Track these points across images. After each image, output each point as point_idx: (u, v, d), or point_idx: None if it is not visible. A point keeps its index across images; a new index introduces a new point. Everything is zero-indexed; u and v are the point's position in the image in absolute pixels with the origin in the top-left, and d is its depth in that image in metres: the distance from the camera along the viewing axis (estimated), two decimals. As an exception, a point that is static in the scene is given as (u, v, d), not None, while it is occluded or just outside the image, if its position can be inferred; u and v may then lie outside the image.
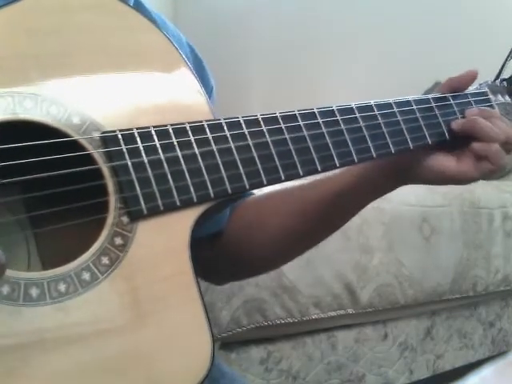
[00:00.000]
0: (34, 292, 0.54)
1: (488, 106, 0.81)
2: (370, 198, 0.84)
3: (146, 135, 0.61)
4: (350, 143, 0.71)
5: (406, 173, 0.79)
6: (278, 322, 1.37)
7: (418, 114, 0.77)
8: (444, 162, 0.77)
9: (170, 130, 0.62)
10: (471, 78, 0.82)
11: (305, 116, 0.70)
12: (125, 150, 0.60)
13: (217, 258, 0.87)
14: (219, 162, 0.63)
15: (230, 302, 1.29)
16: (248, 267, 0.91)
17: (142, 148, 0.60)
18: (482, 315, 1.93)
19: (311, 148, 0.69)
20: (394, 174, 0.80)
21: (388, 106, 0.76)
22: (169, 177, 0.61)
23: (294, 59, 2.76)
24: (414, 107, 0.78)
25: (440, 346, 1.80)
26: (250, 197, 0.92)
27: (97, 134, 0.59)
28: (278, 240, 0.87)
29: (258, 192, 0.89)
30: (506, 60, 0.87)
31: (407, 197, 1.70)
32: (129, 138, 0.60)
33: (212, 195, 0.63)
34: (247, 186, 0.65)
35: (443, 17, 2.42)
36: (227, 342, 1.33)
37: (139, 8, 0.81)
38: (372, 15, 2.59)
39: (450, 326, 1.83)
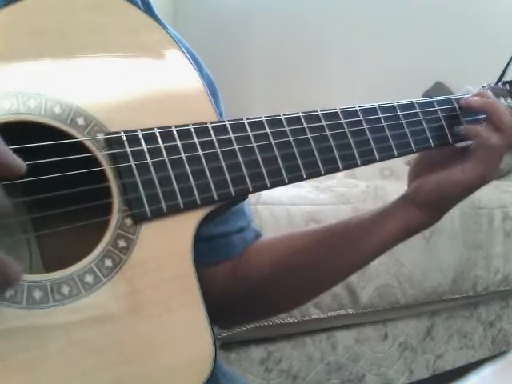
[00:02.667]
0: (37, 294, 0.53)
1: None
2: (394, 238, 0.82)
3: (150, 137, 0.61)
4: (353, 146, 0.71)
5: (431, 199, 0.78)
6: (278, 321, 1.38)
7: (421, 117, 0.77)
8: (467, 171, 0.77)
9: (174, 132, 0.62)
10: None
11: (309, 118, 0.69)
12: (129, 151, 0.59)
13: (227, 294, 0.84)
14: (223, 165, 0.63)
15: (231, 301, 1.29)
16: (260, 306, 0.89)
17: (146, 150, 0.60)
18: (482, 315, 1.93)
19: (315, 150, 0.68)
20: (416, 205, 0.79)
21: (391, 108, 0.76)
22: (173, 179, 0.60)
23: (294, 59, 2.76)
24: (418, 110, 0.77)
25: (440, 346, 1.80)
26: (263, 236, 0.91)
27: (101, 136, 0.59)
28: (289, 282, 0.85)
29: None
30: (509, 62, 0.87)
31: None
32: (133, 139, 0.60)
33: (216, 198, 0.62)
34: (250, 189, 0.64)
35: (444, 18, 2.42)
36: (227, 342, 1.33)
37: (148, 11, 0.80)
38: (373, 16, 2.60)
39: (449, 326, 1.83)
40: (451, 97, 0.81)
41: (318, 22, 2.68)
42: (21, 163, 0.50)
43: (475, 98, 0.79)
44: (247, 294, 0.86)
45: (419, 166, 0.81)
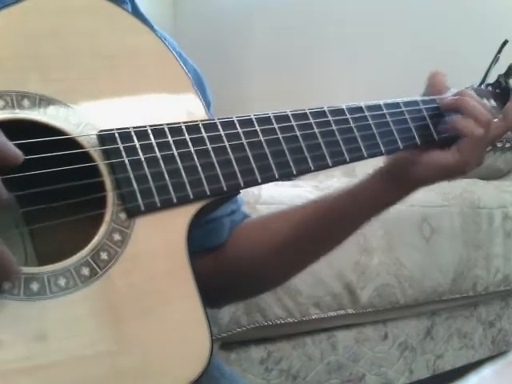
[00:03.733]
0: (34, 286, 0.55)
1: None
2: (371, 210, 0.85)
3: (142, 134, 0.62)
4: (341, 143, 0.72)
5: (405, 176, 0.80)
6: (278, 321, 1.38)
7: (407, 116, 0.79)
8: (440, 156, 0.78)
9: (166, 129, 0.64)
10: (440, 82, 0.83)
11: (297, 116, 0.71)
12: (122, 147, 0.61)
13: (217, 274, 0.87)
14: (214, 161, 0.65)
15: (231, 301, 1.29)
16: (246, 284, 0.92)
17: (138, 146, 0.62)
18: (482, 315, 1.93)
19: (304, 147, 0.70)
20: (393, 180, 0.81)
21: (377, 107, 0.77)
22: (165, 174, 0.62)
23: (294, 59, 2.76)
24: (404, 109, 0.79)
25: (440, 346, 1.80)
26: (251, 217, 0.93)
27: (94, 133, 0.61)
28: (278, 258, 0.87)
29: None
30: (491, 66, 0.89)
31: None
32: (125, 136, 0.62)
33: (208, 192, 0.64)
34: (242, 184, 0.66)
35: (446, 16, 2.42)
36: (227, 342, 1.33)
37: (137, 13, 0.83)
38: (372, 15, 2.60)
39: (449, 326, 1.83)
40: (436, 97, 0.82)
41: (318, 22, 2.69)
42: (18, 152, 0.52)
43: (447, 96, 0.81)
44: (236, 273, 0.88)
45: None
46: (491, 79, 0.91)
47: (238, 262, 0.88)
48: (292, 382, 1.45)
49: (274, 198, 1.39)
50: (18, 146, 0.54)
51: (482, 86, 0.89)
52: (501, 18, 2.24)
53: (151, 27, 0.70)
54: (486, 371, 0.46)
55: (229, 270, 0.88)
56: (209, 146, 0.65)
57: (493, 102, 0.88)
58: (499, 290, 1.91)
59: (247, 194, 1.28)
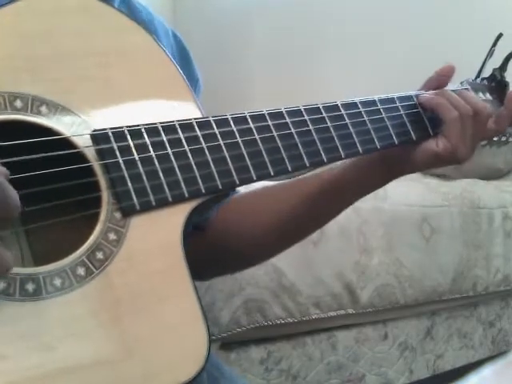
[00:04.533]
0: (30, 287, 0.54)
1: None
2: (358, 191, 0.85)
3: (136, 133, 0.62)
4: (336, 139, 0.72)
5: (397, 161, 0.81)
6: (278, 321, 1.38)
7: (402, 111, 0.79)
8: (428, 143, 0.79)
9: (160, 128, 0.64)
10: (448, 72, 0.83)
11: (291, 113, 0.71)
12: (116, 147, 0.61)
13: (203, 250, 0.87)
14: (209, 159, 0.65)
15: (230, 301, 1.29)
16: (234, 259, 0.92)
17: (132, 145, 0.62)
18: (482, 315, 1.93)
19: (299, 144, 0.70)
20: (383, 163, 0.81)
21: (372, 103, 0.77)
22: (160, 173, 0.62)
23: (294, 59, 2.76)
24: (398, 104, 0.79)
25: (440, 346, 1.79)
26: (238, 192, 0.93)
27: (88, 132, 0.61)
28: (266, 233, 0.88)
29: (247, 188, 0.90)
30: (486, 59, 0.89)
31: (407, 197, 1.70)
32: (119, 135, 0.62)
33: (203, 191, 0.64)
34: (237, 182, 0.66)
35: (445, 14, 2.42)
36: (227, 342, 1.33)
37: (124, 2, 0.83)
38: (372, 15, 2.60)
39: (449, 326, 1.83)
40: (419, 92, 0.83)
41: (318, 22, 2.68)
42: (15, 203, 0.51)
43: (423, 95, 0.81)
44: (223, 248, 0.89)
45: None
46: (486, 73, 0.91)
47: (225, 238, 0.89)
48: (292, 382, 1.45)
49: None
50: (11, 146, 0.54)
51: (478, 80, 0.89)
52: (501, 17, 2.23)
53: (138, 16, 0.70)
54: (486, 371, 0.46)
55: (217, 245, 0.89)
56: (203, 145, 0.65)
57: (489, 96, 0.88)
58: (499, 290, 1.91)
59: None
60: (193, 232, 0.86)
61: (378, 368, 1.62)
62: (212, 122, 0.66)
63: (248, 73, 2.91)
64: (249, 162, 0.67)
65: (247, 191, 0.92)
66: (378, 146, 0.75)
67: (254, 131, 0.68)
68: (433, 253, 1.71)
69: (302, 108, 0.71)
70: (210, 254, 0.88)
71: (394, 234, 1.62)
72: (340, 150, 0.72)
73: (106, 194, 0.60)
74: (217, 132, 0.66)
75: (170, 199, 0.62)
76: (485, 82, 0.90)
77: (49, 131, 0.59)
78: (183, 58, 0.90)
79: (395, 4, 2.57)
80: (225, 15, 3.03)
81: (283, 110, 0.70)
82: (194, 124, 0.65)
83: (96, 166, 0.60)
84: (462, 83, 0.87)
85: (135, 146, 0.62)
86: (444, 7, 2.44)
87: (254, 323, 1.33)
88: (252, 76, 2.90)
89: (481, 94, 0.86)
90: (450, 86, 0.83)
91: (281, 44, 2.81)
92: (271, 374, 1.41)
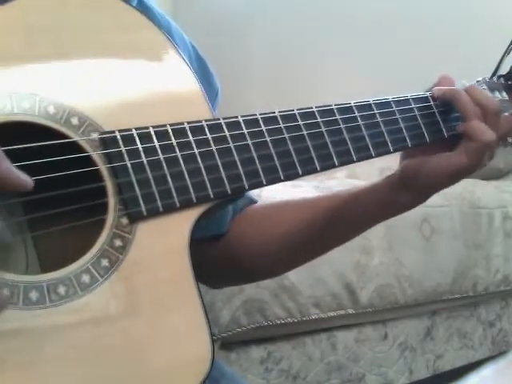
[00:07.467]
0: (33, 295, 0.53)
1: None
2: (378, 213, 0.83)
3: (145, 135, 0.61)
4: (348, 142, 0.71)
5: (417, 184, 0.78)
6: (278, 321, 1.37)
7: (416, 113, 0.77)
8: (447, 161, 0.77)
9: (169, 131, 0.62)
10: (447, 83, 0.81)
11: (304, 115, 0.69)
12: (124, 151, 0.59)
13: (216, 260, 0.86)
14: (218, 163, 0.63)
15: (230, 301, 1.29)
16: (247, 272, 0.91)
17: (141, 149, 0.60)
18: (482, 315, 1.93)
19: (310, 147, 0.68)
20: (402, 184, 0.79)
21: (387, 104, 0.75)
22: (168, 178, 0.60)
23: (294, 59, 2.76)
24: (414, 106, 0.77)
25: (440, 346, 1.80)
26: (255, 203, 0.92)
27: (95, 135, 0.59)
28: (281, 249, 0.86)
29: (264, 201, 0.89)
30: (503, 56, 0.87)
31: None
32: (128, 138, 0.60)
33: (211, 196, 0.62)
34: (246, 187, 0.64)
35: (445, 15, 2.42)
36: (227, 342, 1.33)
37: (142, 6, 0.80)
38: (372, 14, 2.59)
39: (449, 326, 1.83)
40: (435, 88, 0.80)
41: (317, 22, 2.68)
42: (26, 180, 0.51)
43: (438, 88, 0.79)
44: (236, 259, 0.87)
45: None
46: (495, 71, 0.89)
47: (239, 249, 0.87)
48: (292, 382, 1.45)
49: (274, 198, 1.39)
50: (16, 150, 0.53)
51: (494, 78, 0.87)
52: (501, 17, 2.23)
53: (155, 21, 0.67)
54: (486, 371, 0.46)
55: (230, 256, 0.87)
56: (213, 148, 0.63)
57: (504, 95, 0.86)
58: (499, 290, 1.91)
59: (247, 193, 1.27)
60: (206, 241, 0.85)
61: (377, 368, 1.62)
62: (223, 124, 0.64)
63: (248, 73, 2.90)
64: (259, 166, 0.65)
65: (268, 204, 0.91)
66: (391, 149, 0.73)
67: (265, 133, 0.66)
68: (433, 253, 1.71)
69: (315, 109, 0.70)
70: (223, 263, 0.87)
71: (394, 234, 1.61)
72: (352, 153, 0.71)
73: (112, 200, 0.58)
74: (227, 135, 0.64)
75: (178, 205, 0.60)
76: (501, 80, 0.87)
77: (56, 133, 0.58)
78: (202, 69, 0.88)
79: (395, 4, 2.57)
80: (225, 15, 3.03)
81: (296, 112, 0.68)
82: (205, 126, 0.64)
83: (103, 169, 0.58)
84: (478, 82, 0.85)
85: (144, 149, 0.60)
86: (444, 7, 2.44)
87: (254, 323, 1.33)
88: (252, 76, 2.90)
89: (497, 93, 0.85)
90: (466, 84, 0.81)
91: (281, 44, 2.81)
92: (271, 374, 1.41)
